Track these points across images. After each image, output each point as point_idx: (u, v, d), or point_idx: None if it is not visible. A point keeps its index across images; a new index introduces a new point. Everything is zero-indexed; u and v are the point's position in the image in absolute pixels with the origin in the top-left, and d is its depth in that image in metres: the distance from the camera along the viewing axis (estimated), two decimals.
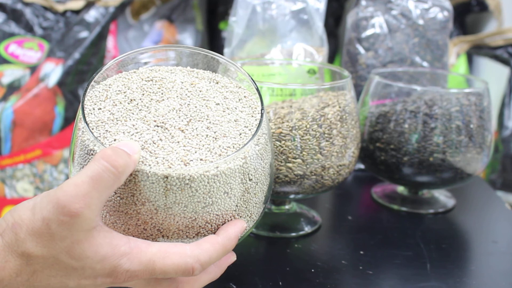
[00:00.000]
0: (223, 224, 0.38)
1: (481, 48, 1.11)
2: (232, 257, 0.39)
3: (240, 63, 0.58)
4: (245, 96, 0.41)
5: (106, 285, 0.35)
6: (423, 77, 0.67)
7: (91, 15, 1.07)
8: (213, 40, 1.33)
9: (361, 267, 0.49)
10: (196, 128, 0.37)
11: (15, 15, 1.09)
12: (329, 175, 0.50)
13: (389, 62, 0.70)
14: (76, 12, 1.10)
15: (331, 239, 0.54)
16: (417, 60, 0.70)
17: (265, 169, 0.39)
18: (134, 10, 1.18)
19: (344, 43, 0.75)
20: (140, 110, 0.38)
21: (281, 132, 0.48)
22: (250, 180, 0.38)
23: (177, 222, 0.36)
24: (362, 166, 0.71)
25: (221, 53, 1.01)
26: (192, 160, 0.35)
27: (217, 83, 0.41)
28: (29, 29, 1.10)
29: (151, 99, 0.39)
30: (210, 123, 0.38)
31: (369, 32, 0.71)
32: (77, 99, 1.02)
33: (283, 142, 0.48)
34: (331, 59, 1.28)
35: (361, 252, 0.51)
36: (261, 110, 0.39)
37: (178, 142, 0.36)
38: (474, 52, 1.14)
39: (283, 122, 0.48)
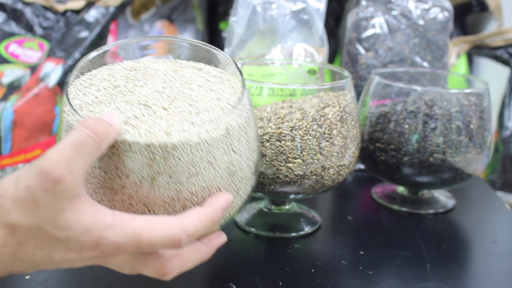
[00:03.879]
0: (209, 197, 0.37)
1: (481, 49, 1.11)
2: (222, 237, 0.39)
3: (240, 63, 0.58)
4: (228, 79, 0.41)
5: (92, 260, 0.34)
6: (423, 77, 0.67)
7: (92, 15, 1.07)
8: (213, 40, 1.33)
9: (361, 267, 0.49)
10: (179, 106, 0.37)
11: (15, 15, 1.09)
12: (329, 175, 0.50)
13: (389, 62, 0.70)
14: (77, 12, 1.10)
15: (331, 239, 0.54)
16: (417, 61, 0.70)
17: (249, 144, 0.39)
18: (134, 10, 1.18)
19: (344, 43, 0.75)
20: (124, 94, 0.38)
21: (281, 132, 0.48)
22: (233, 151, 0.37)
23: (162, 194, 0.36)
24: (362, 166, 0.71)
25: None
26: (174, 131, 0.35)
27: (200, 69, 0.42)
28: (29, 29, 1.10)
29: (135, 85, 0.39)
30: (192, 101, 0.38)
31: (369, 32, 0.71)
32: None
33: (283, 142, 0.48)
34: (331, 59, 1.28)
35: (361, 252, 0.51)
36: (243, 86, 0.39)
37: (161, 117, 0.36)
38: (474, 53, 1.14)
39: (283, 122, 0.48)
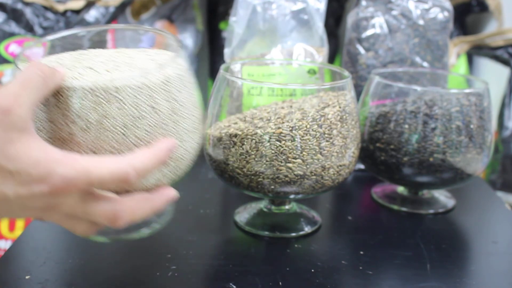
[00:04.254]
0: (155, 142, 0.39)
1: (481, 49, 1.11)
2: (172, 192, 0.40)
3: (240, 63, 0.58)
4: (169, 55, 0.44)
5: (44, 196, 0.35)
6: (423, 77, 0.67)
7: (92, 15, 1.07)
8: (213, 40, 1.33)
9: (361, 267, 0.49)
10: (122, 70, 0.40)
11: (15, 15, 1.09)
12: (329, 175, 0.50)
13: (389, 62, 0.70)
14: (77, 12, 1.10)
15: (331, 239, 0.54)
16: (417, 61, 0.70)
17: (191, 98, 0.42)
18: (134, 10, 1.18)
19: (344, 43, 0.75)
20: (70, 69, 0.40)
21: (281, 132, 0.48)
22: (175, 100, 0.40)
23: (109, 138, 0.37)
24: (362, 166, 0.71)
25: (222, 53, 1.02)
26: (116, 77, 0.38)
27: (144, 51, 0.44)
28: (29, 29, 1.10)
29: (81, 63, 0.41)
30: (134, 66, 0.41)
31: (369, 32, 0.71)
32: None
33: (283, 142, 0.48)
34: (331, 59, 1.28)
35: (361, 252, 0.51)
36: (180, 48, 0.42)
37: (105, 75, 0.39)
38: (474, 53, 1.14)
39: (283, 122, 0.48)
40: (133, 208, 0.38)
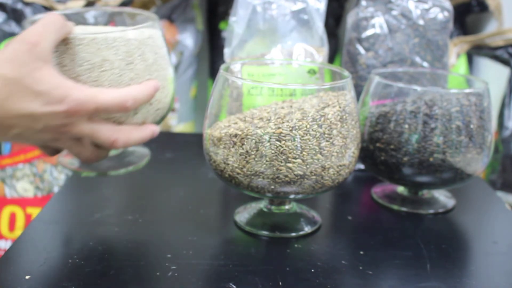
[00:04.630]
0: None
1: (481, 49, 1.11)
2: (157, 128, 0.52)
3: (240, 63, 0.58)
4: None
5: (61, 115, 0.44)
6: (423, 77, 0.67)
7: (92, 15, 1.07)
8: (213, 40, 1.33)
9: (361, 267, 0.49)
10: (117, 30, 0.51)
11: (15, 15, 1.09)
12: (329, 175, 0.50)
13: (389, 62, 0.70)
14: None
15: (331, 239, 0.54)
16: (417, 61, 0.70)
17: (167, 56, 0.54)
18: None
19: (344, 43, 0.75)
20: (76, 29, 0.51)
21: (281, 132, 0.48)
22: (156, 54, 0.52)
23: (108, 77, 0.48)
24: (362, 166, 0.71)
25: (221, 53, 1.04)
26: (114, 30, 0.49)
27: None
28: None
29: (83, 29, 0.52)
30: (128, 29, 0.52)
31: (369, 32, 0.71)
32: None
33: (283, 142, 0.48)
34: (331, 59, 1.28)
35: (361, 252, 0.51)
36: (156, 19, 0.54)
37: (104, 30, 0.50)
38: (474, 53, 1.14)
39: (283, 122, 0.48)
40: (127, 134, 0.49)
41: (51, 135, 0.47)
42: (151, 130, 0.52)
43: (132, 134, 0.50)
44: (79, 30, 0.49)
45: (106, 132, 0.48)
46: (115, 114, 0.49)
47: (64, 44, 0.47)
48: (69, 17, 0.54)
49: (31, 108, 0.43)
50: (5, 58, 0.43)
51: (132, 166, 0.58)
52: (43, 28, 0.45)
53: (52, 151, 0.52)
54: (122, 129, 0.49)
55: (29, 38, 0.44)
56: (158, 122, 0.55)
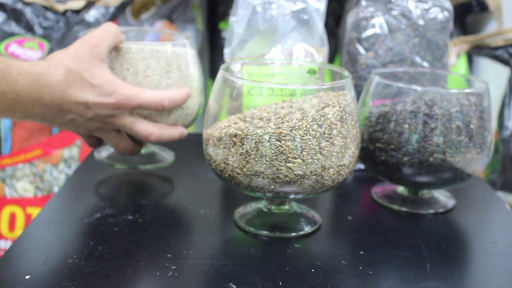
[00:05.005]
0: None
1: (481, 48, 1.11)
2: (185, 130, 0.62)
3: (240, 63, 0.58)
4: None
5: (109, 107, 0.54)
6: (423, 77, 0.67)
7: (92, 15, 1.07)
8: (213, 40, 1.33)
9: (361, 267, 0.49)
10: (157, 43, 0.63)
11: (15, 15, 1.09)
12: (329, 175, 0.50)
13: (389, 62, 0.70)
14: (77, 12, 1.10)
15: (331, 239, 0.54)
16: (417, 60, 0.70)
17: (199, 70, 0.64)
18: (134, 10, 1.18)
19: (344, 43, 0.75)
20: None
21: (281, 132, 0.48)
22: (190, 67, 0.62)
23: (149, 82, 0.59)
24: (362, 166, 0.71)
25: (221, 53, 1.07)
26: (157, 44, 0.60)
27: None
28: (29, 28, 1.10)
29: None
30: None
31: (369, 32, 0.71)
32: None
33: (283, 142, 0.48)
34: (331, 59, 1.28)
35: (361, 252, 0.51)
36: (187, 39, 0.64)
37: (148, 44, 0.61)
38: (474, 52, 1.14)
39: (283, 122, 0.48)
40: (161, 130, 0.58)
41: (97, 125, 0.55)
42: (181, 131, 0.61)
43: (164, 131, 0.59)
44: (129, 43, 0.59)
45: (143, 125, 0.57)
46: (153, 112, 0.58)
47: (115, 51, 0.58)
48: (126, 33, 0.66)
49: (86, 97, 0.52)
50: (69, 54, 0.53)
51: (158, 163, 0.67)
52: (102, 34, 0.55)
53: (94, 142, 0.60)
54: (157, 125, 0.58)
55: (90, 40, 0.54)
56: (186, 126, 0.63)
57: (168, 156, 0.70)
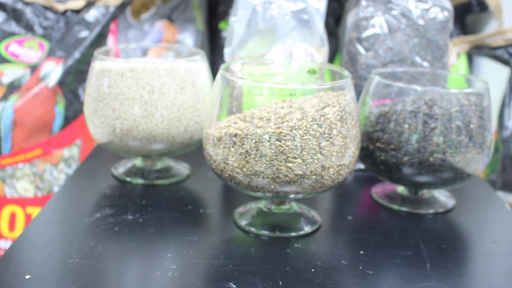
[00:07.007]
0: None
1: (481, 48, 1.11)
2: None
3: (240, 63, 0.58)
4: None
5: None
6: (423, 77, 0.67)
7: (92, 14, 1.07)
8: (213, 40, 1.33)
9: (361, 267, 0.49)
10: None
11: (15, 15, 1.09)
12: (329, 175, 0.50)
13: (389, 62, 0.70)
14: (77, 11, 1.10)
15: (331, 239, 0.54)
16: (417, 60, 0.70)
17: (208, 85, 0.65)
18: (134, 9, 1.18)
19: (344, 43, 0.75)
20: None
21: (281, 132, 0.48)
22: (203, 84, 0.64)
23: (165, 98, 0.61)
24: (362, 166, 0.71)
25: (222, 53, 1.09)
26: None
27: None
28: (29, 28, 1.09)
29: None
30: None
31: (369, 32, 0.71)
32: (77, 98, 1.02)
33: (283, 142, 0.48)
34: (331, 59, 1.28)
35: (361, 252, 0.51)
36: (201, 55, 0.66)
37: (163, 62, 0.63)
38: (474, 52, 1.14)
39: (283, 122, 0.48)
40: None
41: None
42: None
43: None
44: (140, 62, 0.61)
45: None
46: (169, 128, 0.61)
47: (130, 70, 0.60)
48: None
49: None
50: None
51: (175, 177, 0.67)
52: None
53: None
54: None
55: None
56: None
57: (184, 169, 0.70)
